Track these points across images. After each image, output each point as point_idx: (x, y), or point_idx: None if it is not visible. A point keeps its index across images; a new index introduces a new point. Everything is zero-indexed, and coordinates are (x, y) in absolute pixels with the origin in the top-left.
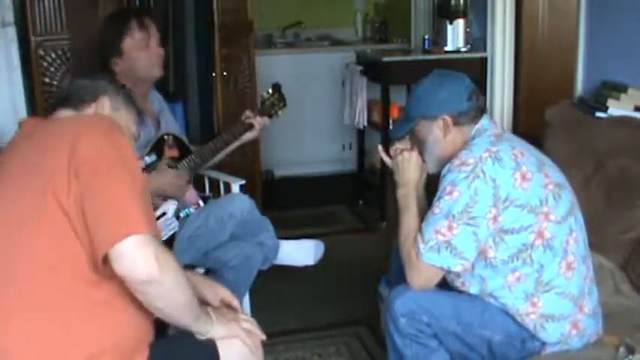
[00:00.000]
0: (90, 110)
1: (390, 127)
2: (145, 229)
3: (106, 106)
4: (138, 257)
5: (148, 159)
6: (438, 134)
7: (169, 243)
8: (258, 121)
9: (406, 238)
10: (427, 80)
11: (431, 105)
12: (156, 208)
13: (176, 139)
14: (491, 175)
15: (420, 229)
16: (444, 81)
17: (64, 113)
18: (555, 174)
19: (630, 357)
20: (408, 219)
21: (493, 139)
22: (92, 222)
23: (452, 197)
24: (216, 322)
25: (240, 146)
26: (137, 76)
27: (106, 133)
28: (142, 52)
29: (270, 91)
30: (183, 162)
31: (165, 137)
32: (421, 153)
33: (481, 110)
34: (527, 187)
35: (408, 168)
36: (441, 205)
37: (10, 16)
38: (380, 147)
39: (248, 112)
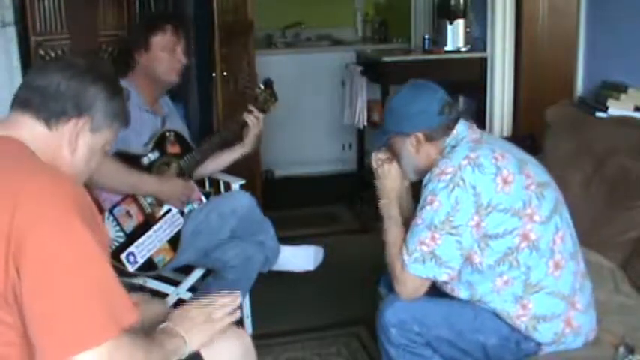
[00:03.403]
0: (63, 129)
1: None
2: (104, 336)
3: (85, 129)
4: None
5: (152, 156)
6: (411, 149)
7: (175, 239)
8: (257, 115)
9: (390, 248)
10: (401, 92)
11: (403, 121)
12: (161, 205)
13: (178, 135)
14: (472, 182)
15: (404, 240)
16: (416, 94)
17: (20, 124)
18: (538, 172)
19: (630, 357)
20: (391, 228)
21: (472, 145)
22: (37, 328)
23: (433, 207)
24: (188, 338)
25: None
26: (155, 75)
27: (61, 223)
28: (166, 54)
29: (262, 86)
30: (185, 158)
31: (167, 134)
32: (399, 163)
33: (455, 121)
34: (509, 190)
35: (389, 179)
36: (423, 216)
37: (10, 16)
38: (374, 154)
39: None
